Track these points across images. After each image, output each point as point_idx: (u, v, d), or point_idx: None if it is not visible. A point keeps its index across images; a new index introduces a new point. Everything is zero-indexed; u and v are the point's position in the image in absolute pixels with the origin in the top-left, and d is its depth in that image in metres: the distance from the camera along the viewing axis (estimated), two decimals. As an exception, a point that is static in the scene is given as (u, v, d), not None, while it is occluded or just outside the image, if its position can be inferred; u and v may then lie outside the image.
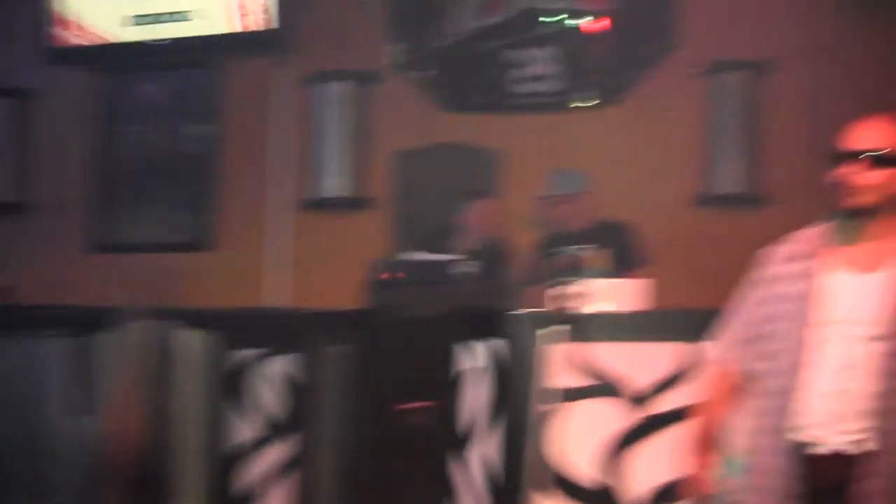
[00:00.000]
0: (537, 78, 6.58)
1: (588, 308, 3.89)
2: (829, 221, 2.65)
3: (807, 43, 6.11)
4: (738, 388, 2.77)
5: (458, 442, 3.97)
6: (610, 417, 3.62)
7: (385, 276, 5.10)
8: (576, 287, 3.99)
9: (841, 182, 2.56)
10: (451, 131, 6.65)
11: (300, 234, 6.94)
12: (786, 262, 2.67)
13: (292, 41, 6.78)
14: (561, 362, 3.62)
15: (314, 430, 4.66)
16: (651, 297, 4.03)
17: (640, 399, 3.60)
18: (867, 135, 2.57)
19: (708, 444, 2.79)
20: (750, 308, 2.74)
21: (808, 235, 2.69)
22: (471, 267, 4.96)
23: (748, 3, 6.26)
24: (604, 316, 3.85)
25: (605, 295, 3.89)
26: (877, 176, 2.53)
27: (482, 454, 3.84)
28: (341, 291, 5.68)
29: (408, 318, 4.70)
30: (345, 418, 4.76)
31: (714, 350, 2.87)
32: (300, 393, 4.61)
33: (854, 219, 2.58)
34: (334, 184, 6.76)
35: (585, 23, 6.35)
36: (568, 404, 3.62)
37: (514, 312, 3.80)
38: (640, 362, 3.61)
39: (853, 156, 2.54)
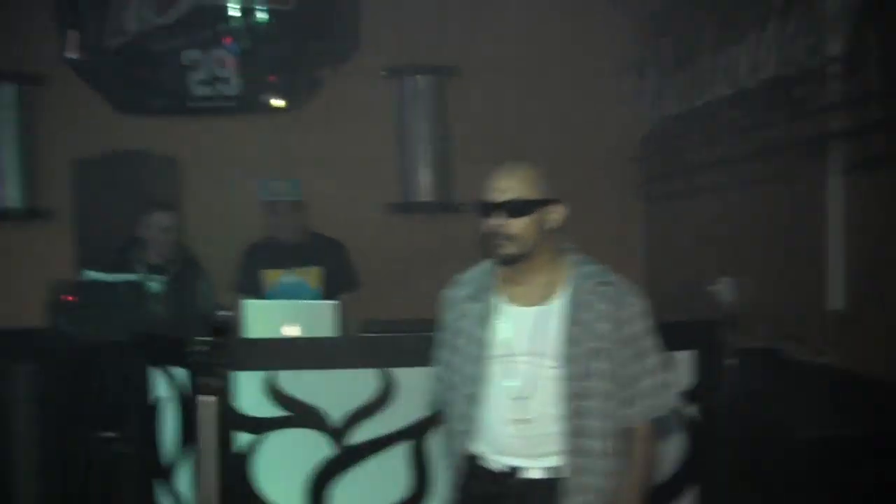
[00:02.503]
0: (220, 79, 6.40)
1: (289, 332, 3.80)
2: (489, 266, 2.78)
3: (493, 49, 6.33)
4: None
5: (160, 471, 3.78)
6: (309, 449, 3.51)
7: (66, 297, 4.81)
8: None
9: (489, 234, 2.66)
10: (132, 137, 6.36)
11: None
12: (466, 301, 2.78)
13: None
14: (254, 391, 3.50)
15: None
16: (348, 318, 3.99)
17: (338, 430, 3.52)
18: (505, 184, 2.66)
19: None
20: (441, 351, 2.86)
21: (475, 276, 2.82)
22: (157, 285, 4.76)
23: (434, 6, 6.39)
24: (297, 341, 3.76)
25: (296, 319, 3.82)
26: (519, 224, 2.64)
27: (184, 484, 3.68)
28: (18, 310, 5.38)
29: (95, 342, 4.45)
30: (36, 444, 4.52)
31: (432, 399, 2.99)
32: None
33: (509, 264, 2.69)
34: (5, 194, 6.32)
35: (264, 20, 6.26)
36: (265, 435, 3.52)
37: (200, 338, 3.55)
38: (336, 390, 3.52)
39: (495, 208, 2.65)
